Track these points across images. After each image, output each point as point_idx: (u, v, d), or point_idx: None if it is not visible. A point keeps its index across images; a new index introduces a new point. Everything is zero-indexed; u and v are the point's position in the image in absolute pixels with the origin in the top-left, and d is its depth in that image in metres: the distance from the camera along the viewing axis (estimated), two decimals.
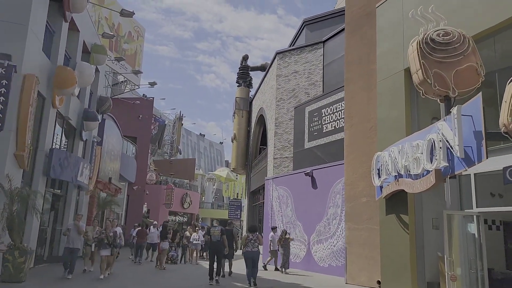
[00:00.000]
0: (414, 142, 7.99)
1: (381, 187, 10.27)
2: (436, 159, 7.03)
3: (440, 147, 6.95)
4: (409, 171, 8.26)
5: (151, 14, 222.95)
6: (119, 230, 10.68)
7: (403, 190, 9.09)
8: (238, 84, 32.83)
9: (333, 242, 14.40)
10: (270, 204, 18.74)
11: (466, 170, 6.66)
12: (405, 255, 9.55)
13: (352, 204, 12.24)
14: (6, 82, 7.18)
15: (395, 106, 10.42)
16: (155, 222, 16.01)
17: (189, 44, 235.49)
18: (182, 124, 63.04)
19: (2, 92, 7.15)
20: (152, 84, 26.99)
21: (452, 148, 6.74)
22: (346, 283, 11.74)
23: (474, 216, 8.32)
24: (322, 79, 21.93)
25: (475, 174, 8.34)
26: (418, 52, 7.36)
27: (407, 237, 9.57)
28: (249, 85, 32.95)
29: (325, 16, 24.19)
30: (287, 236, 14.85)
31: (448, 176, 7.00)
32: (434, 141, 7.20)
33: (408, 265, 9.45)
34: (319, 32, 23.74)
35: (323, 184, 15.47)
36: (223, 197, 63.65)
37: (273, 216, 18.37)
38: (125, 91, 29.89)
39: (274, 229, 15.32)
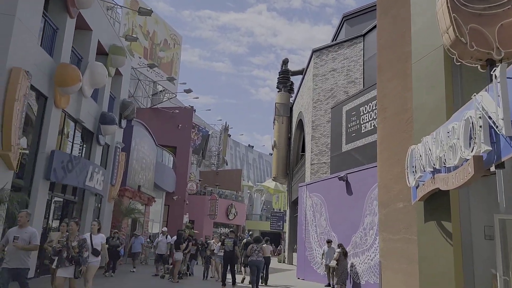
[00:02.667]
0: (450, 126, 6.18)
1: (417, 187, 8.39)
2: (475, 143, 5.21)
3: (480, 126, 5.14)
4: (445, 163, 6.42)
5: (207, 32, 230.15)
6: (98, 239, 7.72)
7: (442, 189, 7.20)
8: (278, 90, 31.59)
9: (370, 256, 12.48)
10: (304, 213, 17.07)
11: None
12: (448, 272, 7.57)
13: (386, 211, 10.34)
14: None
15: (434, 90, 8.53)
16: (164, 229, 14.72)
17: (244, 59, 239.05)
18: (230, 135, 62.93)
19: None
20: (188, 91, 26.51)
21: (496, 126, 4.91)
22: None
23: None
24: (362, 76, 20.08)
25: None
26: (448, 4, 5.63)
27: (451, 250, 7.60)
28: (289, 90, 31.59)
29: (365, 9, 22.37)
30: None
31: (494, 165, 5.14)
32: (472, 120, 5.39)
33: (453, 285, 7.46)
34: (360, 26, 21.95)
35: (359, 190, 13.62)
36: (273, 208, 62.18)
37: (306, 226, 16.68)
38: (163, 100, 29.73)
39: (329, 242, 13.61)
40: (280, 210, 53.26)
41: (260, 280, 12.34)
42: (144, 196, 20.66)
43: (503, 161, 5.21)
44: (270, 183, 56.64)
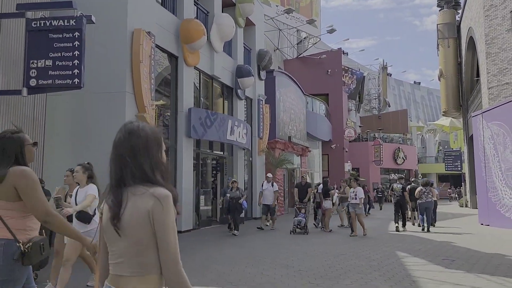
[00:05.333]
0: None
1: None
2: None
3: None
4: None
5: None
6: (82, 194, 4.49)
7: None
8: (439, 8, 26.66)
9: None
10: (482, 147, 13.98)
11: None
12: None
13: None
14: (78, 34, 6.67)
15: None
16: (269, 175, 12.40)
17: None
18: (390, 75, 57.86)
19: (76, 45, 6.69)
20: (331, 31, 24.62)
21: None
22: None
23: None
24: None
25: None
26: None
27: None
28: (455, 5, 26.31)
29: None
30: None
31: None
32: None
33: None
34: None
35: None
36: (451, 148, 55.55)
37: (487, 163, 13.66)
38: (309, 46, 28.52)
39: None
40: (460, 148, 47.21)
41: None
42: (297, 146, 20.34)
43: None
44: (444, 121, 50.38)
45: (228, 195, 10.71)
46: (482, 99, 18.03)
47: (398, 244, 9.01)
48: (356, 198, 10.47)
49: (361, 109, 44.75)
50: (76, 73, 6.63)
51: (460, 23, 24.50)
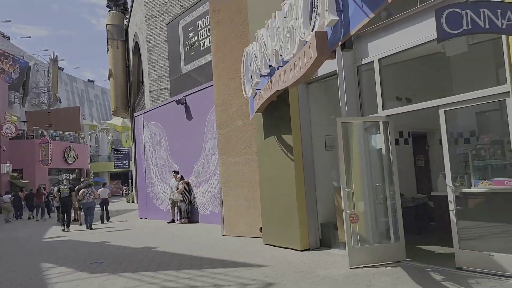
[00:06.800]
0: (287, 4, 4.65)
1: (254, 97, 7.07)
2: (318, 15, 3.74)
3: None
4: (282, 56, 4.99)
5: None
6: None
7: (279, 94, 5.93)
8: (109, 9, 27.03)
9: (213, 184, 11.31)
10: (142, 146, 14.96)
11: (369, 20, 3.45)
12: (290, 191, 6.66)
13: (225, 131, 8.99)
14: None
15: None
16: None
17: None
18: (63, 69, 54.65)
19: None
20: None
21: None
22: (223, 235, 8.77)
23: (381, 123, 5.50)
24: None
25: (380, 59, 5.39)
26: None
27: (292, 166, 6.62)
28: (123, 10, 27.33)
29: None
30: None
31: (340, 44, 3.79)
32: None
33: (294, 204, 6.58)
34: None
35: (199, 113, 12.05)
36: (121, 148, 58.05)
37: (146, 160, 14.70)
38: None
39: (176, 173, 12.32)
40: (129, 147, 49.86)
41: (103, 220, 13.81)
42: None
43: (351, 40, 3.93)
44: (117, 120, 51.96)
45: None
46: (145, 101, 19.46)
47: (50, 253, 8.11)
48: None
49: (26, 103, 39.75)
50: None
51: (128, 27, 25.68)
